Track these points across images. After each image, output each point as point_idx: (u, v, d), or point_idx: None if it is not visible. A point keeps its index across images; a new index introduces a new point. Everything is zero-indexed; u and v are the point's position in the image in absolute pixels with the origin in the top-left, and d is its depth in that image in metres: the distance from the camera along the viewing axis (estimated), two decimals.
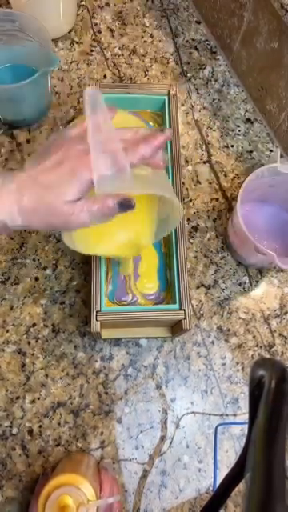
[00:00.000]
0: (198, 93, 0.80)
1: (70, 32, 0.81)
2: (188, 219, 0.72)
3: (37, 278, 0.67)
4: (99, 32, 0.82)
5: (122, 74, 0.80)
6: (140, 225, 0.56)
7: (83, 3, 0.84)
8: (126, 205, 0.41)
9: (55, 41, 0.80)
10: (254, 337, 0.67)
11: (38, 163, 0.42)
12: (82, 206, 0.41)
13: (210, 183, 0.74)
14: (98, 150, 0.41)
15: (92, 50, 0.81)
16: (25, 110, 0.70)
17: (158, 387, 0.64)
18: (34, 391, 0.62)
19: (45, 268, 0.67)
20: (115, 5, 0.84)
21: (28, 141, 0.73)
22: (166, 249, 0.63)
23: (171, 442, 0.62)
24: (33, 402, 0.62)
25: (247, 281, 0.70)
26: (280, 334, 0.67)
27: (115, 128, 0.44)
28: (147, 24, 0.84)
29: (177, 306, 0.57)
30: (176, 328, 0.61)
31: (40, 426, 0.61)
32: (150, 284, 0.61)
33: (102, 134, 0.42)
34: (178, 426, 0.63)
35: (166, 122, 0.65)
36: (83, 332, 0.65)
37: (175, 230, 0.59)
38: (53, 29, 0.73)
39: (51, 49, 0.66)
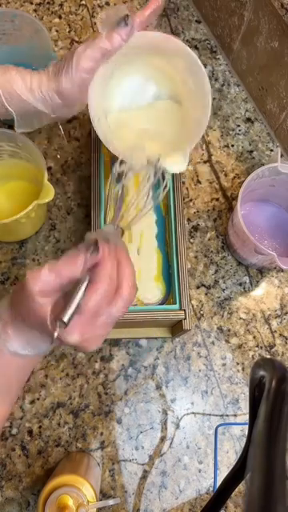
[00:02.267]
0: None
1: (69, 32, 0.81)
2: (188, 219, 0.72)
3: None
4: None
5: None
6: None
7: (83, 2, 0.84)
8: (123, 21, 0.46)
9: (55, 40, 0.80)
10: (254, 337, 0.67)
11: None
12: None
13: (211, 183, 0.74)
14: None
15: None
16: None
17: (158, 388, 0.64)
18: (33, 391, 0.62)
19: None
20: (115, 4, 0.84)
21: None
22: (169, 248, 0.62)
23: (171, 443, 0.62)
24: (32, 402, 0.62)
25: (247, 281, 0.70)
26: (280, 335, 0.67)
27: None
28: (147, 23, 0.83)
29: (177, 306, 0.57)
30: (176, 328, 0.61)
31: (40, 427, 0.61)
32: (149, 294, 0.60)
33: None
34: (178, 427, 0.63)
35: None
36: None
37: (175, 230, 0.59)
38: None
39: (51, 48, 0.65)
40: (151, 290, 0.60)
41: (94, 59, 0.46)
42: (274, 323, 0.68)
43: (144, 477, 0.61)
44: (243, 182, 0.61)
